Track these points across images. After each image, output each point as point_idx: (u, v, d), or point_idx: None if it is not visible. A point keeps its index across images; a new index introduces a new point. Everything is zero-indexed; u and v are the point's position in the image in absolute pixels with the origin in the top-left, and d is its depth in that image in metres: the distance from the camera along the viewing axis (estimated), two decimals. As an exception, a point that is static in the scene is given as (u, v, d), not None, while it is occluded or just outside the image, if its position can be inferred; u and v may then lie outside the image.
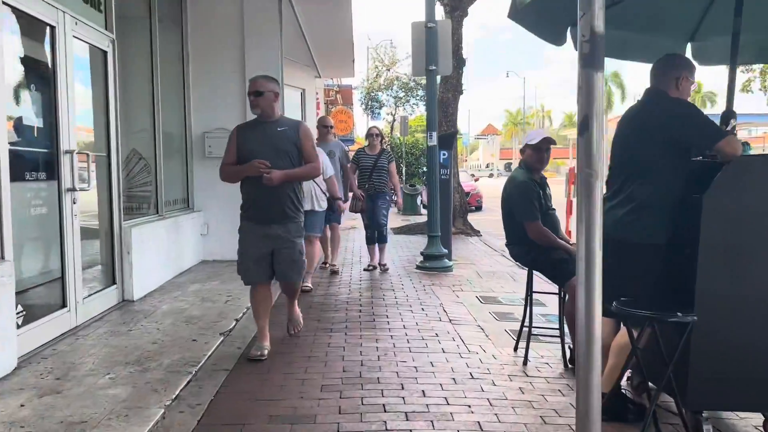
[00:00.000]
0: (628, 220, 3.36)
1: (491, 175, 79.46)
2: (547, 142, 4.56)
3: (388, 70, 28.80)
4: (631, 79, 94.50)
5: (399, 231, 13.82)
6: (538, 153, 4.56)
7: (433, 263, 8.44)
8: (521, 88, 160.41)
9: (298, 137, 4.74)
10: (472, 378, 4.20)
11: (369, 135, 8.81)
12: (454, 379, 4.18)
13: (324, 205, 7.18)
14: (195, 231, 8.70)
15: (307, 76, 15.92)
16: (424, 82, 28.56)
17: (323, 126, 8.34)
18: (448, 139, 9.58)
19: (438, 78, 9.82)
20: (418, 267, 8.58)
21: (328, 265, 8.50)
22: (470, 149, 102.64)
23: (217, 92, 8.85)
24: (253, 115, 4.91)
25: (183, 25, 8.70)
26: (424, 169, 21.76)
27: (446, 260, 8.56)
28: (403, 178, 21.18)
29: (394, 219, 18.14)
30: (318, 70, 15.52)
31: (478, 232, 13.62)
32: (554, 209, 4.65)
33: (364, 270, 8.53)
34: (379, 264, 8.61)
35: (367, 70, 29.17)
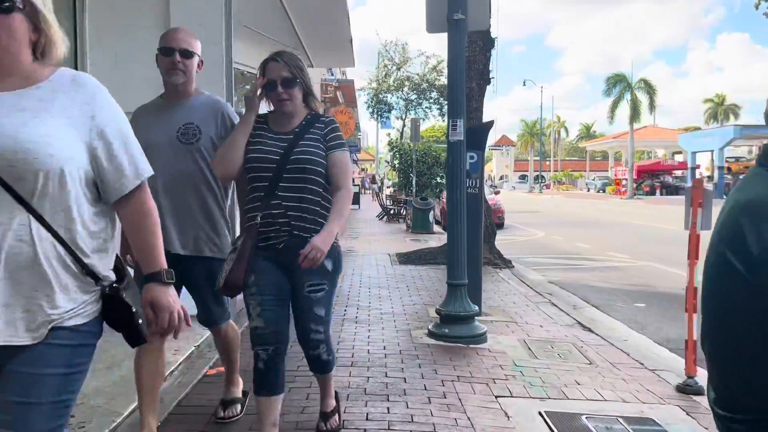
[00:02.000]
0: None
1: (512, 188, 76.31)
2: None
3: (399, 69, 25.83)
4: (661, 87, 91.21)
5: (405, 259, 10.70)
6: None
7: (455, 329, 5.30)
8: (534, 98, 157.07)
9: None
10: None
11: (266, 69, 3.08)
12: None
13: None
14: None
15: (296, 63, 12.91)
16: (439, 82, 25.59)
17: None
18: (480, 133, 6.39)
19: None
20: (431, 334, 5.44)
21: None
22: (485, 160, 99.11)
23: (129, 59, 5.84)
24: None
25: (73, -47, 5.72)
26: (438, 179, 18.67)
27: (476, 323, 5.42)
28: (413, 191, 18.09)
29: (400, 239, 15.03)
30: (308, 56, 12.50)
31: (509, 262, 10.47)
32: None
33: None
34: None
35: (377, 69, 26.20)
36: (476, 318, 5.41)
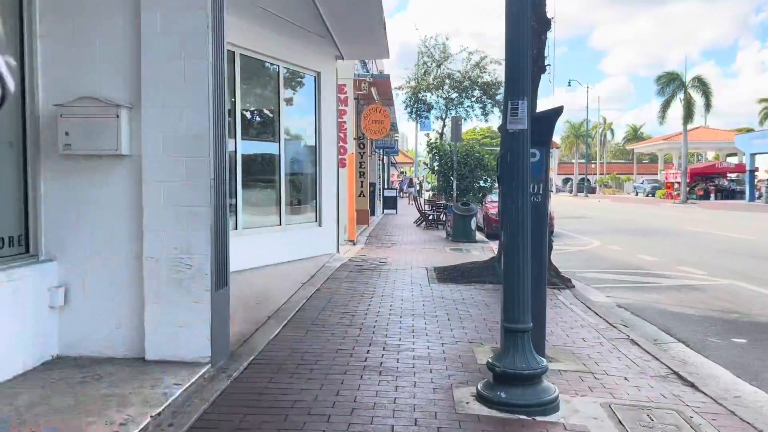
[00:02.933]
0: None
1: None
2: None
3: (439, 66, 24.33)
4: (717, 86, 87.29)
5: (445, 275, 9.21)
6: None
7: (515, 393, 3.80)
8: (577, 100, 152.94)
9: None
10: None
11: None
12: None
13: None
14: (37, 300, 4.39)
15: (323, 54, 11.58)
16: (482, 79, 24.03)
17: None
18: (544, 123, 4.85)
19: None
20: (480, 397, 3.96)
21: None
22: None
23: (87, 32, 4.58)
24: None
25: None
26: (481, 183, 17.14)
27: (544, 384, 3.91)
28: (454, 195, 16.58)
29: (439, 249, 13.56)
30: (337, 45, 11.16)
31: (568, 280, 8.90)
32: None
33: None
34: None
35: (416, 66, 24.75)
36: (543, 377, 3.91)
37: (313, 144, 11.77)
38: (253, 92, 10.75)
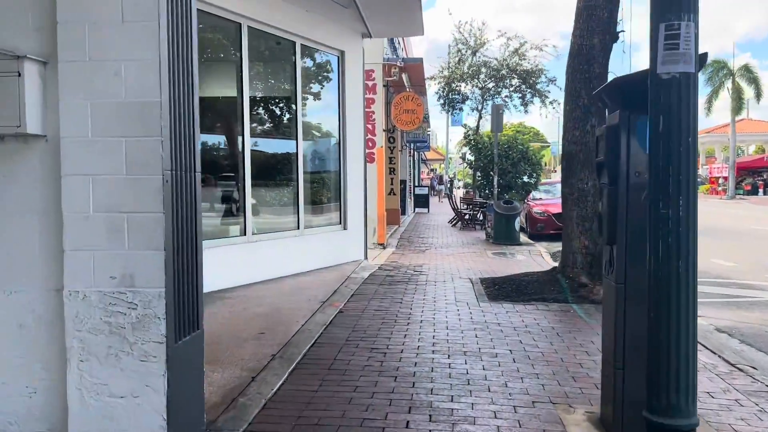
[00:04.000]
0: None
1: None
2: None
3: (474, 54, 22.57)
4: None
5: (497, 291, 7.52)
6: None
7: None
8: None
9: None
10: None
11: None
12: None
13: None
14: None
15: (347, 30, 9.98)
16: (521, 67, 22.18)
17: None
18: (636, 86, 3.08)
19: None
20: None
21: None
22: (558, 159, 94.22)
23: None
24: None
25: None
26: (524, 178, 15.40)
27: None
28: (494, 192, 14.86)
29: (480, 253, 11.87)
30: (364, 19, 9.55)
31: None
32: None
33: None
34: None
35: (449, 54, 23.03)
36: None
37: (337, 136, 10.18)
38: (264, 74, 9.21)
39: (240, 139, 7.91)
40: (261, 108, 9.05)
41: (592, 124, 7.41)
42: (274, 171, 8.99)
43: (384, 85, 13.74)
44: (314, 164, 10.03)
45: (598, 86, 7.50)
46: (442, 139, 61.08)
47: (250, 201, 7.89)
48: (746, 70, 43.65)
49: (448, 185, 53.41)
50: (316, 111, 10.58)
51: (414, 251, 13.01)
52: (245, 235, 7.83)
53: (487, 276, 8.87)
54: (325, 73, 10.48)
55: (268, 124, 9.19)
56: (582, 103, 7.46)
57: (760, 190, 46.30)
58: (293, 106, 9.07)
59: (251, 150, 8.09)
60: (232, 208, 8.07)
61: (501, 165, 14.70)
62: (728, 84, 43.63)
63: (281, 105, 9.46)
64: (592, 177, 7.33)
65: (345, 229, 9.89)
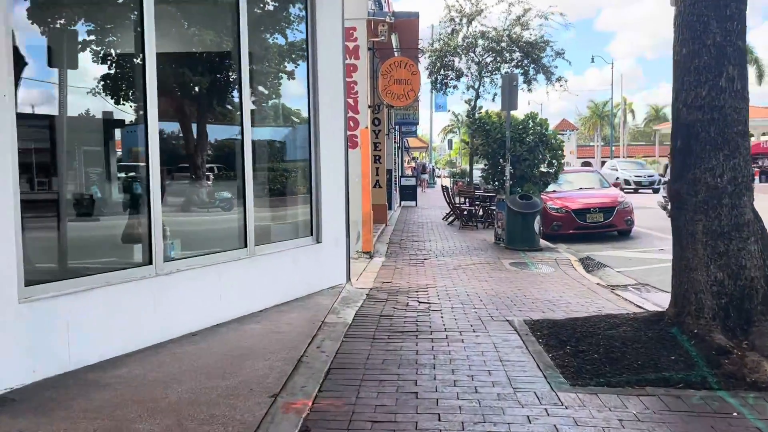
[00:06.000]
0: None
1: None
2: None
3: (470, 22, 19.50)
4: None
5: (566, 358, 4.49)
6: None
7: None
8: (587, 83, 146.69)
9: None
10: None
11: None
12: None
13: None
14: None
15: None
16: (526, 37, 19.09)
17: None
18: None
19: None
20: None
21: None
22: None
23: None
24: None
25: None
26: (543, 168, 12.45)
27: None
28: (505, 184, 11.89)
29: (495, 264, 8.86)
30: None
31: None
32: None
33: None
34: None
35: (440, 24, 19.97)
36: None
37: (307, 116, 7.07)
38: (182, 23, 6.11)
39: (145, 120, 4.78)
40: (178, 75, 5.95)
41: (729, 76, 4.44)
42: (201, 166, 5.91)
43: (369, 48, 10.64)
44: (271, 154, 6.97)
45: (738, 12, 4.54)
46: (423, 126, 57.93)
47: (158, 211, 4.79)
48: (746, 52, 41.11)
49: (431, 173, 50.44)
50: (274, 79, 7.51)
51: (410, 262, 10.01)
52: (151, 264, 4.73)
53: (534, 315, 5.90)
54: (285, 26, 7.41)
55: (192, 101, 6.09)
56: (712, 41, 4.46)
57: (756, 178, 44.18)
58: (234, 72, 5.96)
59: (161, 137, 4.99)
60: (135, 223, 5.01)
61: (515, 151, 11.73)
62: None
63: (215, 70, 6.37)
64: (732, 165, 4.38)
65: (318, 241, 6.82)
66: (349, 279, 7.44)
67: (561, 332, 4.95)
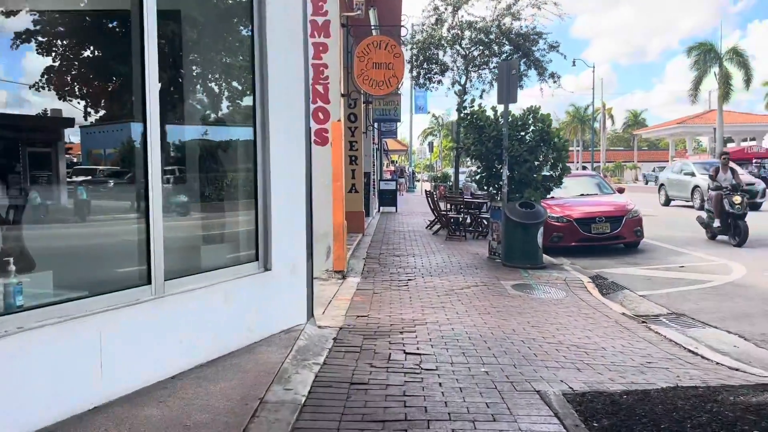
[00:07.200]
0: None
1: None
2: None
3: (456, 11, 17.80)
4: (758, 59, 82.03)
5: (593, 413, 2.70)
6: None
7: None
8: (561, 90, 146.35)
9: None
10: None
11: None
12: None
13: None
14: None
15: None
16: (516, 28, 17.12)
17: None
18: None
19: None
20: None
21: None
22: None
23: None
24: None
25: None
26: (545, 171, 10.71)
27: None
28: (504, 189, 10.13)
29: (494, 288, 6.95)
30: None
31: None
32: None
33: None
34: None
35: (423, 13, 18.20)
36: None
37: (251, 102, 5.16)
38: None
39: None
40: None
41: None
42: (77, 173, 4.03)
43: (343, 25, 8.79)
44: (191, 155, 5.10)
45: None
46: (401, 130, 56.15)
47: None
48: (735, 53, 40.10)
49: (409, 175, 48.78)
50: (202, 54, 5.68)
51: (391, 284, 8.19)
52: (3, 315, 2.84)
53: (569, 375, 4.13)
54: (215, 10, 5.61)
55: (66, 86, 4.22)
56: None
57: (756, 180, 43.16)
58: (137, 43, 4.06)
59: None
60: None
61: (513, 151, 9.98)
62: (715, 69, 40.14)
63: (106, 38, 4.50)
64: None
65: (266, 268, 4.92)
66: (311, 315, 5.58)
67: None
